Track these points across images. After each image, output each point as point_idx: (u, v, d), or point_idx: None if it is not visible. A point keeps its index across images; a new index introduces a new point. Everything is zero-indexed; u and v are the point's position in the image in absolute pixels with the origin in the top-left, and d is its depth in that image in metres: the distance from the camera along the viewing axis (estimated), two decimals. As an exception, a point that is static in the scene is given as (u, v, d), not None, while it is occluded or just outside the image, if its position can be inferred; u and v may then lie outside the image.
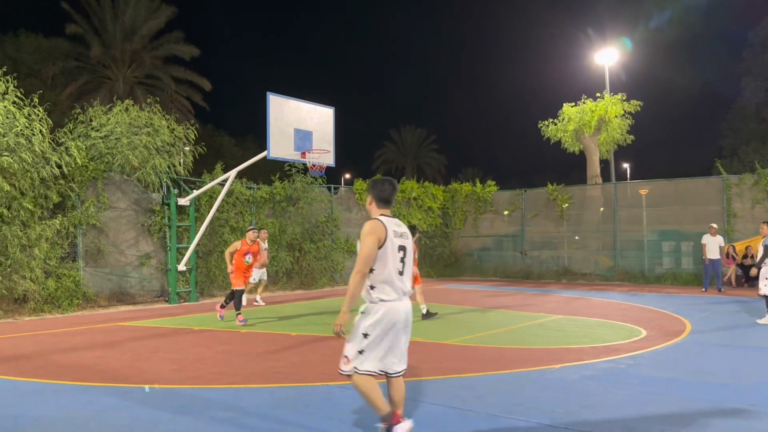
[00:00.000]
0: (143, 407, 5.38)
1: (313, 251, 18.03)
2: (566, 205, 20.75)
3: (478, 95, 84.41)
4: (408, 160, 58.43)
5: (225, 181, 14.27)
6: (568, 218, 20.81)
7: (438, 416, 4.99)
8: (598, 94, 22.43)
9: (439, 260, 22.53)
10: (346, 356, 4.18)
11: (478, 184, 22.91)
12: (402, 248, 4.16)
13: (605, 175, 23.91)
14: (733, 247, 17.03)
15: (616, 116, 21.89)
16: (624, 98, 22.01)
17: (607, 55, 24.46)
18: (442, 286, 18.58)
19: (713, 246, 15.51)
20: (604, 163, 23.75)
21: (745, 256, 16.79)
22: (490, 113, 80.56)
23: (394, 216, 4.31)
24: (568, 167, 28.57)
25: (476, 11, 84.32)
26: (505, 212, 22.25)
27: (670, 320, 10.51)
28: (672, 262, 18.94)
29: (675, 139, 46.47)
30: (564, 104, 22.62)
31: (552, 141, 23.19)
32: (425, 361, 7.22)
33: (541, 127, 23.31)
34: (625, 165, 45.15)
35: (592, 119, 21.79)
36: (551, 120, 23.09)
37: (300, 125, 12.85)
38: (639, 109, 21.97)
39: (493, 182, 22.69)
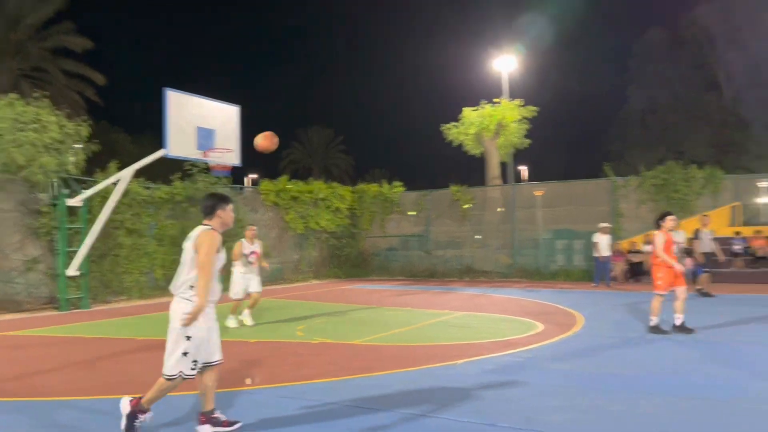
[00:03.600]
0: (33, 423, 5.00)
1: (217, 253, 17.50)
2: (468, 205, 21.43)
3: (385, 97, 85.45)
4: (315, 160, 58.10)
5: (120, 180, 13.54)
6: (470, 218, 21.50)
7: (345, 415, 5.00)
8: (496, 100, 23.35)
9: (347, 260, 22.59)
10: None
11: (385, 185, 23.18)
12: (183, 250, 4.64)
13: (504, 177, 24.93)
14: (644, 243, 18.26)
15: (513, 121, 22.88)
16: (521, 104, 23.06)
17: (505, 62, 25.50)
18: (349, 286, 18.64)
19: (603, 243, 16.54)
20: (503, 166, 24.78)
21: (631, 252, 18.04)
22: (396, 115, 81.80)
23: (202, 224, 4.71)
24: (470, 169, 29.51)
25: (380, 14, 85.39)
26: (411, 213, 22.66)
27: (564, 314, 11.11)
28: (565, 260, 20.04)
29: (568, 143, 49.20)
30: (465, 108, 23.38)
31: (455, 144, 23.90)
32: (333, 362, 7.21)
33: (444, 130, 23.96)
34: (522, 167, 47.29)
35: (492, 123, 22.67)
36: (454, 123, 23.78)
37: (202, 123, 12.43)
38: (535, 114, 23.11)
39: (400, 183, 23.05)
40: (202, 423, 4.67)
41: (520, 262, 20.43)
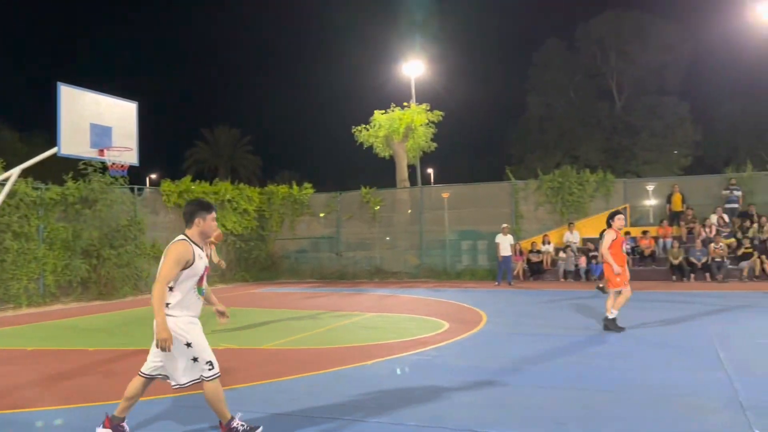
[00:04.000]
0: None
1: (114, 258, 16.53)
2: (378, 207, 21.62)
3: (294, 98, 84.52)
4: (222, 160, 56.48)
5: (6, 180, 12.53)
6: (380, 220, 21.70)
7: (253, 423, 4.88)
8: (405, 103, 23.74)
9: (255, 263, 22.12)
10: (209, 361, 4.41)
11: (295, 186, 22.94)
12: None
13: (413, 180, 25.39)
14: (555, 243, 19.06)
15: (421, 124, 23.33)
16: (428, 108, 23.55)
17: (413, 67, 25.98)
18: (258, 289, 18.26)
19: (505, 244, 17.17)
20: (412, 168, 25.24)
21: (531, 252, 18.87)
22: (306, 116, 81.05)
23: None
24: (380, 171, 29.81)
25: (289, 13, 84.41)
26: (321, 214, 22.55)
27: (469, 312, 11.44)
28: (470, 259, 20.67)
29: (472, 147, 50.81)
30: (375, 111, 23.60)
31: (365, 146, 24.04)
32: (239, 368, 7.03)
33: (354, 132, 24.05)
34: (430, 170, 48.39)
35: (401, 127, 23.00)
36: (364, 126, 23.92)
37: (98, 120, 11.73)
38: (441, 118, 23.66)
39: (310, 185, 22.88)
40: (107, 427, 4.47)
41: (427, 262, 20.84)
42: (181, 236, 4.48)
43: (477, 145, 51.26)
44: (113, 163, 12.34)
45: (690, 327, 9.01)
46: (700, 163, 42.37)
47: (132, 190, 17.82)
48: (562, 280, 18.07)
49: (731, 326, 8.95)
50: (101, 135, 11.79)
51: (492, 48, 63.25)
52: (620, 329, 8.71)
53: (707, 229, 17.52)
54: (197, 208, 4.54)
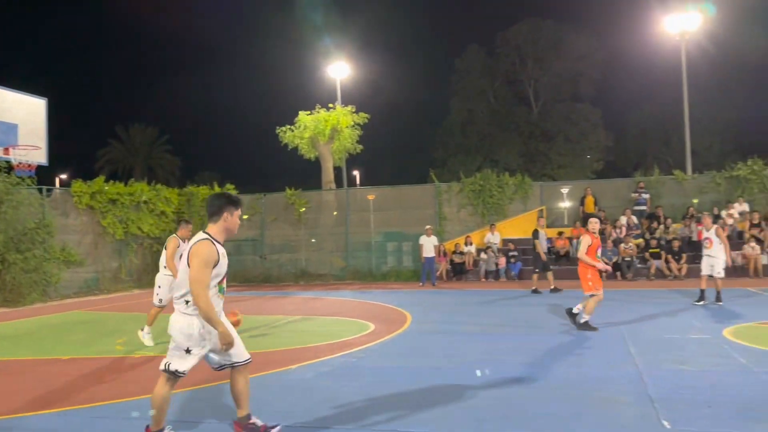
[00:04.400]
0: None
1: (20, 262, 15.48)
2: (304, 209, 21.43)
3: (215, 97, 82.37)
4: (138, 160, 54.23)
5: None
6: (305, 222, 21.51)
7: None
8: (330, 105, 23.67)
9: (173, 267, 21.38)
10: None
11: (216, 187, 22.35)
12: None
13: (338, 181, 25.35)
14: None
15: (347, 126, 23.35)
16: (354, 110, 23.60)
17: (339, 69, 25.98)
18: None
19: (429, 245, 17.40)
20: (338, 170, 25.19)
21: (454, 253, 19.24)
22: (228, 116, 79.08)
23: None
24: (306, 173, 29.59)
25: (210, 9, 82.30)
26: (245, 216, 22.09)
27: (395, 313, 11.53)
28: (395, 261, 20.86)
29: (398, 149, 51.30)
30: (300, 112, 23.39)
31: (290, 147, 23.78)
32: (157, 376, 6.75)
33: (278, 133, 23.73)
34: (356, 172, 48.49)
35: (326, 128, 22.92)
36: (289, 126, 23.65)
37: (2, 117, 11.02)
38: (367, 120, 23.77)
39: (232, 186, 22.36)
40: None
41: (353, 264, 20.85)
42: (203, 235, 4.18)
43: (402, 148, 51.76)
44: (20, 163, 11.61)
45: (602, 324, 9.46)
46: (611, 167, 44.72)
47: (40, 190, 16.77)
48: (483, 279, 18.55)
49: (640, 322, 9.47)
50: (6, 132, 11.09)
51: (417, 52, 64.21)
52: (593, 329, 8.75)
53: (618, 230, 18.48)
54: (226, 202, 4.25)
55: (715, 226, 11.70)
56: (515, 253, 18.77)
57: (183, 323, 4.16)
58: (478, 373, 6.31)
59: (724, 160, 26.19)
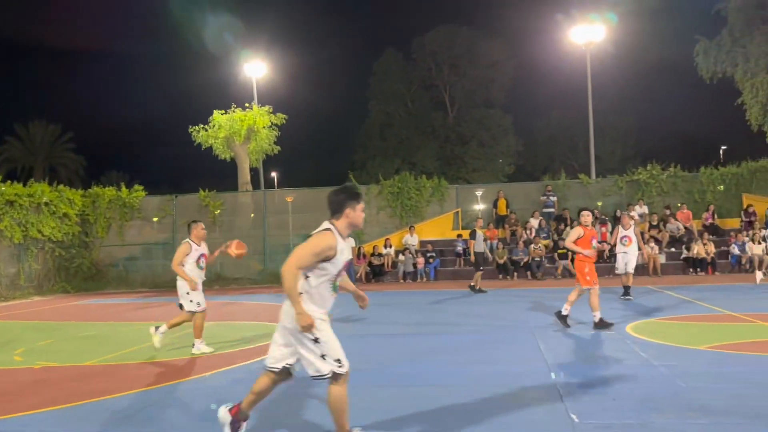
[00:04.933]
0: None
1: None
2: (219, 211, 20.85)
3: (124, 93, 78.64)
4: (38, 159, 50.89)
5: None
6: (220, 224, 20.95)
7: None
8: (247, 105, 23.19)
9: (77, 273, 20.20)
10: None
11: (124, 188, 21.36)
12: None
13: (255, 183, 24.84)
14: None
15: (264, 127, 22.94)
16: (271, 110, 23.22)
17: (255, 68, 25.49)
18: (81, 301, 16.69)
19: (347, 247, 17.35)
20: (254, 171, 24.70)
21: (372, 255, 19.34)
22: (137, 114, 75.78)
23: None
24: (221, 174, 28.87)
25: (118, 3, 78.59)
26: (155, 219, 21.23)
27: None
28: (314, 264, 20.68)
29: (317, 151, 51.02)
30: (215, 111, 22.75)
31: (204, 147, 23.07)
32: (60, 387, 6.36)
33: (191, 132, 22.97)
34: (273, 173, 47.77)
35: (242, 128, 22.42)
36: (202, 126, 22.95)
37: None
38: (284, 121, 23.46)
39: (141, 187, 21.43)
40: (233, 415, 4.29)
41: (271, 267, 20.49)
42: (327, 225, 4.05)
43: (321, 150, 51.53)
44: None
45: (514, 321, 9.79)
46: (521, 171, 46.52)
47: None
48: (402, 281, 18.76)
49: (549, 319, 9.86)
50: None
51: (337, 54, 64.09)
52: (610, 325, 8.71)
53: (528, 232, 19.21)
54: (347, 197, 4.06)
55: (632, 225, 12.57)
56: (433, 254, 19.11)
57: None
58: (207, 375, 6.35)
59: (626, 165, 27.88)
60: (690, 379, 5.69)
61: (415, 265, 18.90)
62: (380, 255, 19.28)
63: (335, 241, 4.01)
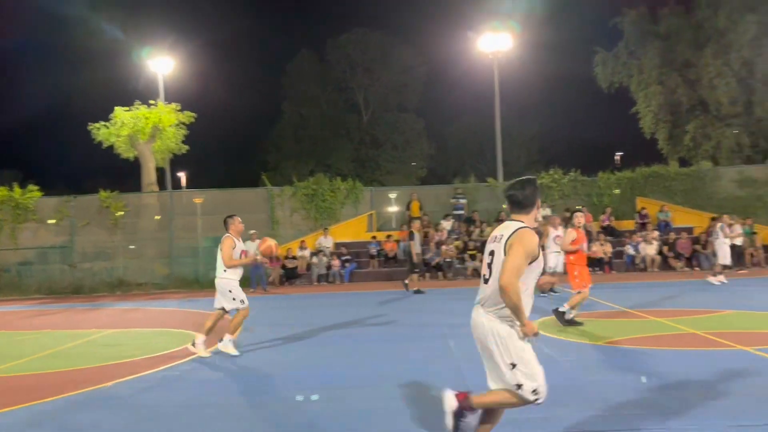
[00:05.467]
0: None
1: None
2: (121, 213, 19.86)
3: (14, 87, 73.28)
4: None
5: None
6: (123, 227, 19.95)
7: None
8: (152, 102, 22.17)
9: (-39, 280, 18.62)
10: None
11: (17, 188, 19.88)
12: (491, 253, 3.75)
13: (161, 183, 23.81)
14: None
15: (170, 125, 22.02)
16: (178, 108, 22.31)
17: (162, 63, 24.50)
18: (-35, 310, 15.38)
19: (254, 250, 16.70)
20: (160, 171, 23.66)
21: (286, 257, 19.06)
22: (31, 110, 70.87)
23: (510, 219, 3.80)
24: (123, 174, 27.50)
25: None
26: (51, 221, 19.91)
27: (222, 322, 11.09)
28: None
29: (228, 151, 49.70)
30: (117, 108, 21.59)
31: (105, 145, 21.86)
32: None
33: (91, 129, 21.70)
34: (181, 174, 46.06)
35: (147, 126, 21.42)
36: (103, 123, 21.74)
37: None
38: (193, 120, 22.59)
39: (36, 187, 20.03)
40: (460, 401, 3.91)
41: (178, 271, 19.75)
42: (521, 223, 3.67)
43: (233, 150, 50.19)
44: None
45: (426, 320, 9.96)
46: (433, 174, 47.50)
47: None
48: (316, 283, 18.63)
49: (459, 318, 10.06)
50: None
51: (249, 52, 62.66)
52: (578, 324, 8.73)
53: (439, 233, 19.63)
54: (536, 188, 3.75)
55: (562, 226, 13.21)
56: (348, 257, 19.11)
57: (501, 330, 3.71)
58: (108, 385, 6.27)
59: (530, 169, 29.11)
60: (590, 373, 6.00)
61: (329, 267, 18.83)
62: (294, 257, 19.05)
63: (537, 238, 3.72)
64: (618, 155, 48.02)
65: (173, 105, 22.28)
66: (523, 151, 48.34)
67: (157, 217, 20.20)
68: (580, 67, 38.10)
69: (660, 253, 18.61)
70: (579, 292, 8.92)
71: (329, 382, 6.14)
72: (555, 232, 12.93)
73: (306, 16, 63.98)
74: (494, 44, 24.25)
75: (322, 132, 47.53)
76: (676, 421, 4.43)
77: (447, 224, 20.14)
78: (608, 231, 19.95)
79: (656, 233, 19.10)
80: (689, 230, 19.69)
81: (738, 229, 16.00)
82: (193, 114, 22.49)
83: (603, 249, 18.63)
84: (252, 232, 16.94)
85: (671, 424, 4.35)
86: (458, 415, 3.92)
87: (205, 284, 19.32)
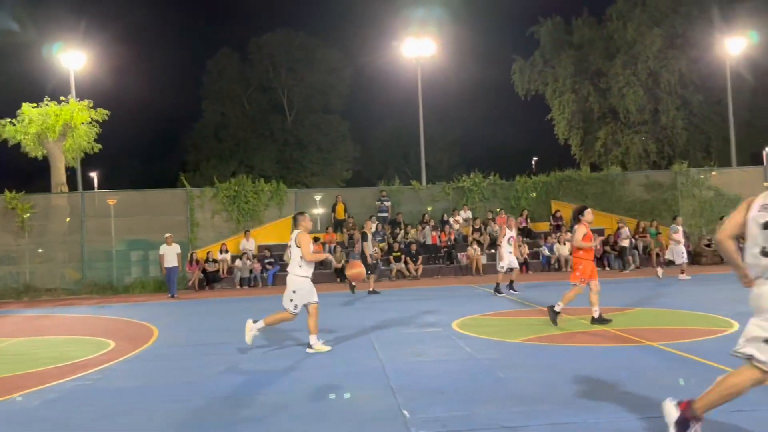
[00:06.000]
0: None
1: None
2: (28, 215, 18.72)
3: None
4: None
5: None
6: (30, 229, 18.81)
7: None
8: (62, 98, 21.02)
9: None
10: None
11: None
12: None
13: (72, 184, 22.57)
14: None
15: (82, 123, 20.94)
16: (91, 105, 21.26)
17: (73, 58, 23.27)
18: None
19: (171, 255, 16.10)
20: (71, 171, 22.44)
21: (206, 261, 18.57)
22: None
23: None
24: (31, 173, 25.93)
25: None
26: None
27: (139, 328, 10.69)
28: (140, 271, 19.38)
29: (145, 150, 47.91)
30: (24, 104, 20.34)
31: (11, 143, 20.52)
32: None
33: (-5, 126, 20.31)
34: (93, 174, 43.89)
35: (57, 124, 20.29)
36: (9, 120, 20.42)
37: None
38: (106, 117, 21.58)
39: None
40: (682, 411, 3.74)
41: (90, 276, 18.83)
42: None
43: (150, 150, 48.46)
44: None
45: (350, 323, 9.96)
46: (358, 176, 47.66)
47: None
48: (239, 287, 18.25)
49: (383, 320, 10.19)
50: None
51: (169, 50, 60.68)
52: (606, 321, 8.66)
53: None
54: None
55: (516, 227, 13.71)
56: (271, 260, 18.83)
57: None
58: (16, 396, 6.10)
59: (452, 172, 29.72)
60: (509, 371, 6.20)
61: (251, 270, 18.50)
62: (215, 261, 18.59)
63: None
64: (534, 160, 49.95)
65: (85, 102, 21.22)
66: (446, 155, 49.36)
67: (68, 219, 19.16)
68: (500, 74, 39.44)
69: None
70: (575, 285, 8.87)
71: (251, 387, 6.04)
72: (510, 232, 13.26)
73: (228, 14, 62.73)
74: (417, 49, 24.63)
75: (244, 132, 46.62)
76: (590, 414, 4.65)
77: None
78: (525, 233, 20.69)
79: (569, 235, 19.96)
80: (600, 232, 20.70)
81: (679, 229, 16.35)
82: (106, 111, 21.50)
83: (520, 250, 19.30)
84: (167, 235, 16.20)
85: (586, 417, 4.57)
86: (682, 425, 3.73)
87: (120, 289, 18.55)
